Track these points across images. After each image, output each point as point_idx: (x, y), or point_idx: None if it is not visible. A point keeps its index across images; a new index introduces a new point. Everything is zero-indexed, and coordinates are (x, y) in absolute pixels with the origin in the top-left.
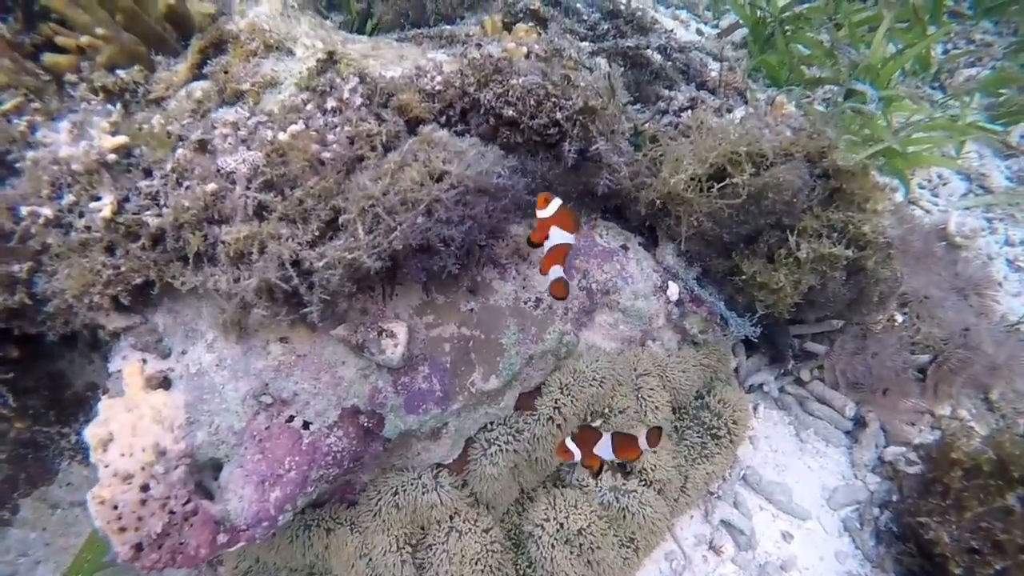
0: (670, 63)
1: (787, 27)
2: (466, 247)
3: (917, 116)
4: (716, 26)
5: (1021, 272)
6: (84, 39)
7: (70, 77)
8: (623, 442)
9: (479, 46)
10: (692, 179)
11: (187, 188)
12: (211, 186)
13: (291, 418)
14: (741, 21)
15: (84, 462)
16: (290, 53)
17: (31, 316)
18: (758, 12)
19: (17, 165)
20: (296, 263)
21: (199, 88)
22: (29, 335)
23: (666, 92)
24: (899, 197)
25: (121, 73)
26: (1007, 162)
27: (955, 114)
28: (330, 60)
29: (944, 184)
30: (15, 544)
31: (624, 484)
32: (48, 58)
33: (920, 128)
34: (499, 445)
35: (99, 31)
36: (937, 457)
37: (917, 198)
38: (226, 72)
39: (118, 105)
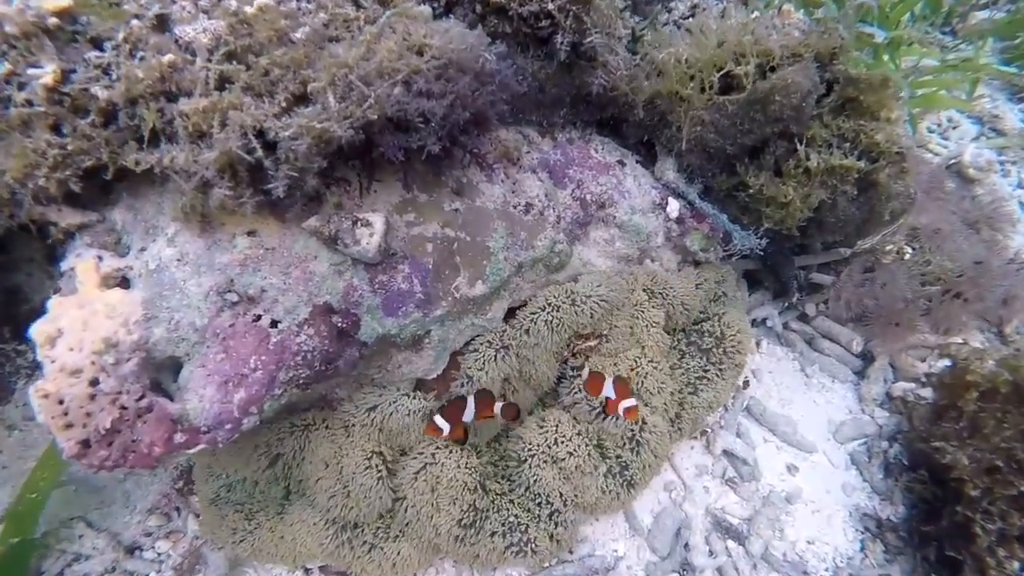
0: None
1: None
2: (448, 127)
3: (927, 60)
4: None
5: None
6: None
7: None
8: (482, 403)
9: None
10: (689, 69)
11: (141, 59)
12: (168, 57)
13: (258, 317)
14: None
15: None
16: None
17: None
18: None
19: None
20: (260, 134)
21: None
22: None
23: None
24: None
25: None
26: (1021, 105)
27: (967, 57)
28: None
29: (954, 127)
30: None
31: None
32: None
33: (930, 71)
34: (486, 357)
35: None
36: (950, 382)
37: (926, 141)
38: None
39: None
